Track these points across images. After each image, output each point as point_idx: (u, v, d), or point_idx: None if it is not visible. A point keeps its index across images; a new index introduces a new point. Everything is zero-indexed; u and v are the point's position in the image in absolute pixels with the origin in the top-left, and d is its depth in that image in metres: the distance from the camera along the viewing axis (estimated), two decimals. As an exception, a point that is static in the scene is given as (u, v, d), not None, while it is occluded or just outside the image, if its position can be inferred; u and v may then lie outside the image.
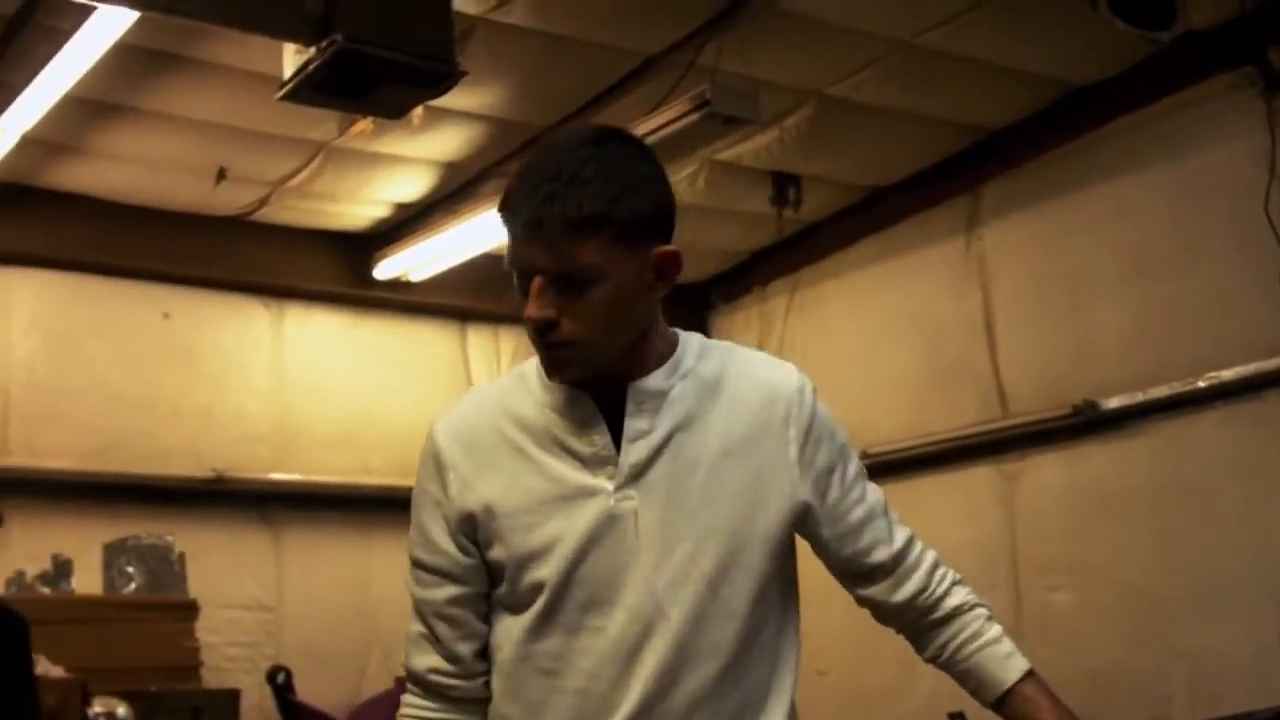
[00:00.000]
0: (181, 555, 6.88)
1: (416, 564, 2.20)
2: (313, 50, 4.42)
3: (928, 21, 5.90)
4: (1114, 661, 6.41)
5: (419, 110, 5.63)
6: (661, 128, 5.72)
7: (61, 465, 7.06)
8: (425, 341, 8.42)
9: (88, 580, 6.95)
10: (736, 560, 2.12)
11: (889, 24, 5.95)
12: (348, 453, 7.97)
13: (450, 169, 7.18)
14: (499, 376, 8.10)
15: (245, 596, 7.52)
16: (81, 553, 6.94)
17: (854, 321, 8.09)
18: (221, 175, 7.07)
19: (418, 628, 2.22)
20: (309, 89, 4.52)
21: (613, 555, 2.09)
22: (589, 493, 2.10)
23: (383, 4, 4.42)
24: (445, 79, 4.55)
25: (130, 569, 6.90)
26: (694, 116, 5.61)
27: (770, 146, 6.97)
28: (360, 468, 7.96)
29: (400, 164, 7.11)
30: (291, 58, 4.56)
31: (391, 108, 4.91)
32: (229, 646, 7.37)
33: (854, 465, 2.28)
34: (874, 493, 2.30)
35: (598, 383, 2.11)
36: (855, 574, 2.29)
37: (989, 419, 7.16)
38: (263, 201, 7.45)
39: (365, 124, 6.27)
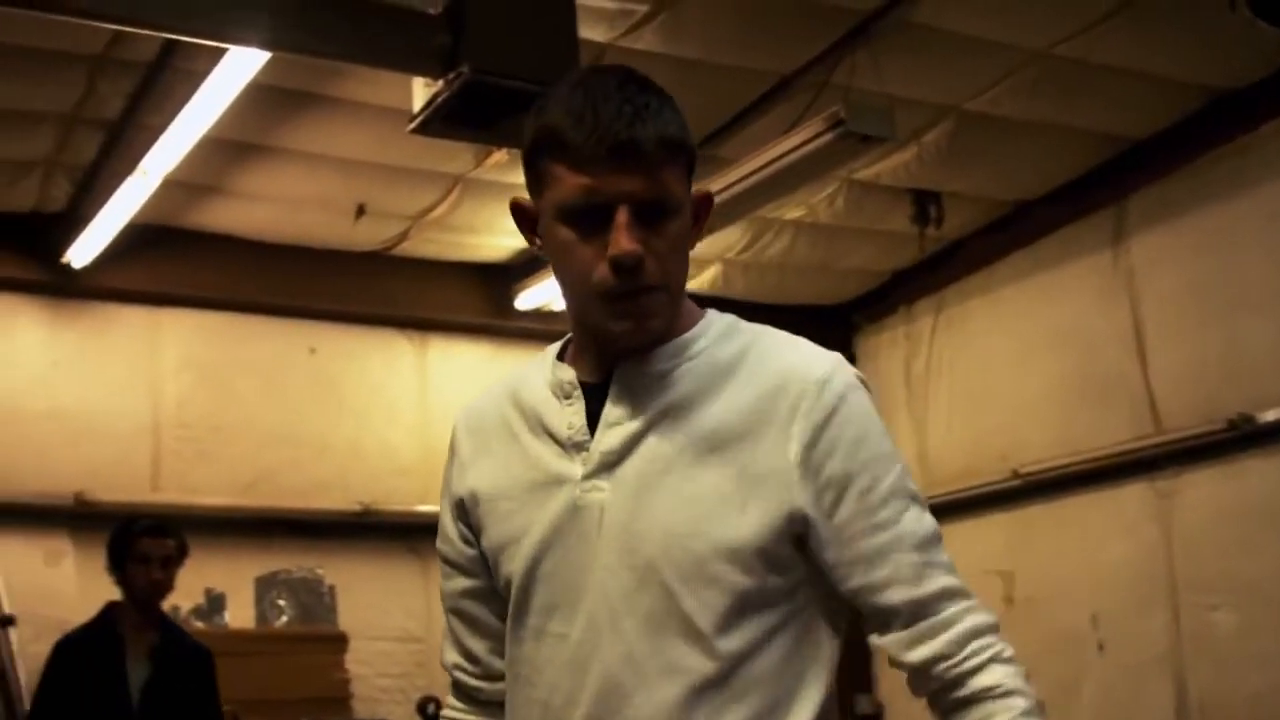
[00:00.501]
0: (331, 588, 6.95)
1: (439, 554, 2.08)
2: (441, 83, 4.44)
3: (1065, 31, 5.79)
4: (1277, 684, 6.21)
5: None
6: (796, 149, 5.66)
7: (213, 501, 7.16)
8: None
9: (240, 614, 7.05)
10: (703, 571, 1.80)
11: (1025, 35, 5.86)
12: (494, 483, 7.97)
13: (589, 197, 7.16)
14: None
15: (395, 628, 7.56)
16: (234, 587, 7.04)
17: (1001, 339, 7.96)
18: (361, 211, 7.14)
19: (446, 622, 2.11)
20: (439, 121, 4.53)
21: (574, 553, 1.86)
22: (560, 481, 1.88)
23: (509, 34, 4.43)
24: (574, 107, 4.53)
25: (282, 602, 6.98)
26: (829, 136, 5.54)
27: (909, 164, 6.89)
28: (505, 498, 7.95)
29: (538, 194, 7.11)
30: (421, 91, 4.59)
31: (521, 137, 4.89)
32: (379, 677, 7.42)
33: (888, 481, 1.86)
34: (913, 521, 1.86)
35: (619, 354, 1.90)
36: (868, 616, 1.89)
37: (1141, 435, 6.99)
38: (403, 235, 7.51)
39: (500, 155, 6.30)
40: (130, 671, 5.18)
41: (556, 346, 1.99)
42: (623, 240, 1.78)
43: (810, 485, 1.82)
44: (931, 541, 1.87)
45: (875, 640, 1.88)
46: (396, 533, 7.68)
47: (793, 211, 7.32)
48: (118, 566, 5.28)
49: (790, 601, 1.86)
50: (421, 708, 7.05)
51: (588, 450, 1.87)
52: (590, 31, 5.34)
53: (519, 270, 7.93)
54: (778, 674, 1.83)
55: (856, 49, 5.78)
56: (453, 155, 6.51)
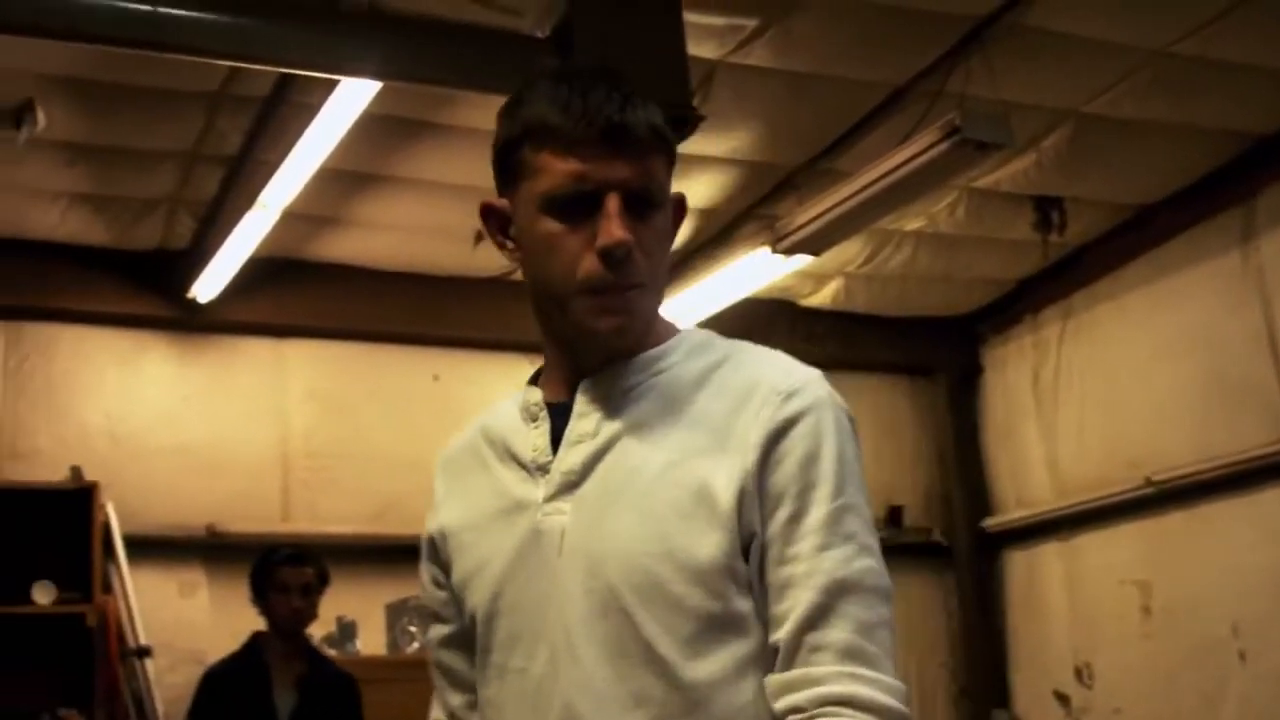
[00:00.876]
0: (458, 613, 6.95)
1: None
2: (550, 106, 4.45)
3: (1181, 30, 5.67)
4: None
5: (666, 160, 5.62)
6: (913, 159, 5.59)
7: (342, 529, 7.22)
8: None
9: (372, 640, 7.09)
10: (664, 594, 1.65)
11: (1142, 35, 5.74)
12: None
13: (705, 216, 7.15)
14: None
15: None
16: (365, 614, 7.08)
17: (1130, 345, 7.80)
18: (479, 237, 7.15)
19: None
20: (550, 144, 4.54)
21: (535, 581, 1.74)
22: (522, 506, 1.78)
23: (617, 55, 4.42)
24: (684, 125, 4.53)
25: (413, 628, 7.00)
26: (945, 145, 5.47)
27: (1029, 170, 6.78)
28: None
29: (655, 213, 7.10)
30: (530, 114, 4.59)
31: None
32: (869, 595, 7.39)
33: (825, 511, 1.66)
34: (836, 563, 1.65)
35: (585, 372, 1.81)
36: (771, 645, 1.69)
37: (1278, 438, 6.82)
38: (523, 260, 7.52)
39: (613, 176, 6.28)
40: (278, 700, 5.26)
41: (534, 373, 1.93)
42: (614, 228, 1.69)
43: (761, 500, 1.67)
44: (852, 591, 1.64)
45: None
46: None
47: (913, 222, 7.25)
48: (260, 596, 5.35)
49: (765, 630, 1.67)
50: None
51: (549, 471, 1.77)
52: (699, 49, 5.33)
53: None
54: (754, 713, 1.66)
55: (970, 56, 5.71)
56: (568, 178, 6.51)
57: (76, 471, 6.55)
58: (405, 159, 6.31)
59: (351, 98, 4.97)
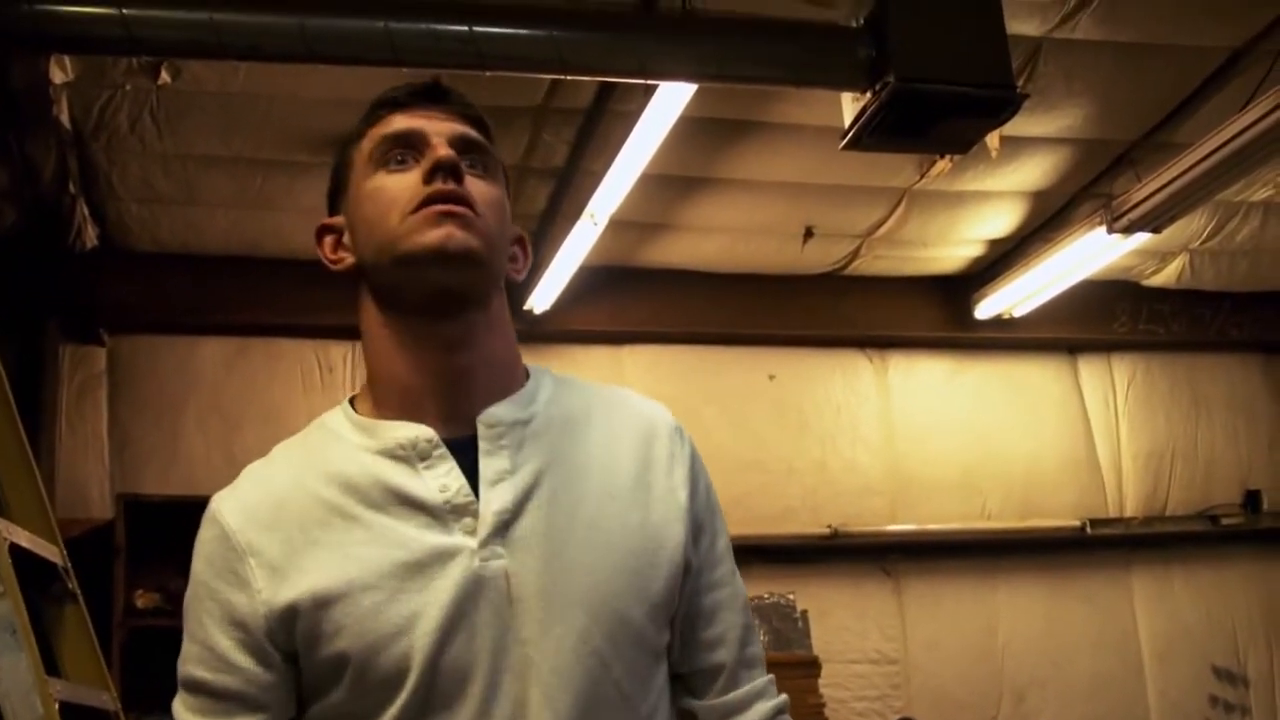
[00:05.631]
0: (804, 612, 6.92)
1: (194, 686, 1.68)
2: (868, 95, 4.40)
3: None
4: None
5: (996, 142, 5.51)
6: (1254, 124, 5.33)
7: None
8: (1034, 377, 8.20)
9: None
10: (630, 633, 1.67)
11: None
12: (964, 498, 7.85)
13: (1039, 198, 6.97)
14: (1113, 408, 7.73)
15: (869, 650, 7.51)
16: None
17: None
18: (809, 233, 7.14)
19: None
20: (869, 135, 4.49)
21: (485, 631, 1.61)
22: (447, 555, 1.63)
23: (934, 38, 4.36)
24: (1007, 105, 4.42)
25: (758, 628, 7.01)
26: (1287, 109, 5.22)
27: (1387, 130, 6.40)
28: (978, 512, 7.83)
29: (986, 199, 6.97)
30: (849, 106, 4.55)
31: (956, 142, 4.81)
32: (856, 701, 7.38)
33: (725, 535, 1.83)
34: (740, 582, 1.84)
35: (437, 413, 1.70)
36: (688, 674, 1.78)
37: None
38: (854, 254, 7.47)
39: (944, 164, 6.17)
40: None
41: (339, 412, 1.77)
42: (440, 148, 1.70)
43: (691, 530, 1.76)
44: (748, 606, 1.84)
45: (690, 703, 1.79)
46: (867, 553, 7.64)
47: (1260, 191, 6.91)
48: None
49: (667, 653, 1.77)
50: (900, 729, 7.01)
51: (473, 514, 1.65)
52: (1022, 26, 5.19)
53: (976, 279, 7.77)
54: None
55: (1314, 9, 5.42)
56: (896, 169, 6.44)
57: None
58: (729, 160, 6.31)
59: (670, 102, 4.98)
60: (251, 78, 5.36)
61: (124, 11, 3.92)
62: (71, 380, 6.85)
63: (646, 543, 1.71)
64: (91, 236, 6.45)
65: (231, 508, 1.69)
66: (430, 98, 1.77)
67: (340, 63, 4.34)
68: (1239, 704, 7.85)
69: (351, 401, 1.78)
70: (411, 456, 1.67)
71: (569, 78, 4.89)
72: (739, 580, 1.83)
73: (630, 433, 1.79)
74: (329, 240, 1.80)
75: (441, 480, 1.66)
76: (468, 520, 1.65)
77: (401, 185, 1.69)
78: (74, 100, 5.44)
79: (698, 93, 4.95)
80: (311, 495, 1.67)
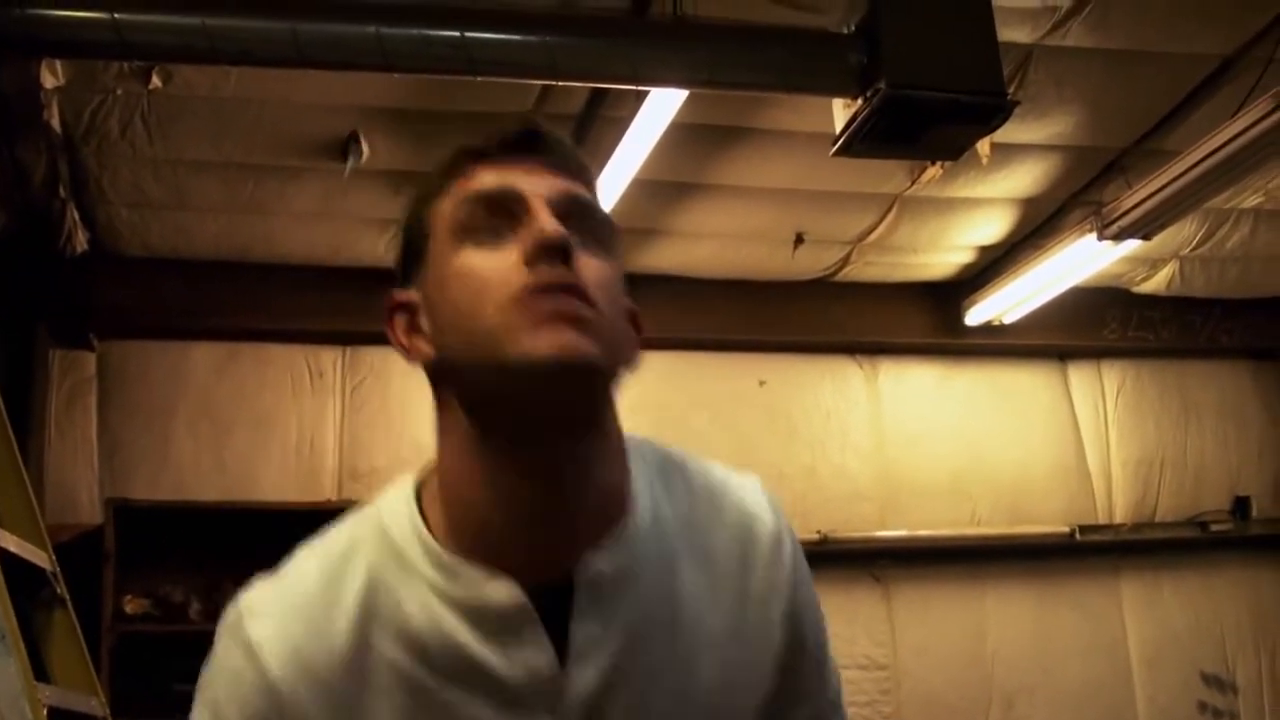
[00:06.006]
0: (796, 618, 6.92)
1: None
2: (859, 102, 4.40)
3: None
4: None
5: (987, 149, 5.53)
6: (1245, 131, 5.35)
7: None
8: (1024, 384, 8.20)
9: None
10: None
11: None
12: (954, 504, 7.85)
13: (1030, 204, 6.98)
14: (1103, 414, 7.73)
15: (859, 655, 7.49)
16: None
17: None
18: (799, 240, 7.14)
19: None
20: (860, 141, 4.49)
21: None
22: None
23: (926, 45, 4.36)
24: (998, 112, 4.43)
25: None
26: (1277, 116, 5.23)
27: (1378, 137, 6.41)
28: (967, 518, 7.83)
29: (977, 206, 6.98)
30: (840, 112, 4.55)
31: (947, 149, 4.82)
32: (845, 706, 7.36)
33: (824, 651, 1.59)
34: (837, 676, 1.63)
35: (527, 558, 1.36)
36: None
37: None
38: (844, 260, 7.47)
39: (934, 170, 6.19)
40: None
41: (403, 523, 1.41)
42: (544, 219, 1.34)
43: (779, 671, 1.51)
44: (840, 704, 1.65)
45: None
46: (856, 559, 7.63)
47: (1250, 199, 6.92)
48: None
49: None
50: (892, 736, 6.99)
51: (558, 694, 1.36)
52: (1013, 33, 5.20)
53: (966, 286, 7.77)
54: None
55: (1303, 17, 5.43)
56: (886, 175, 6.44)
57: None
58: (720, 166, 6.31)
59: (661, 108, 4.99)
60: (243, 83, 5.35)
61: (115, 16, 3.92)
62: (61, 385, 6.83)
63: (731, 699, 1.46)
64: (82, 241, 6.43)
65: (277, 650, 1.36)
66: (527, 146, 1.41)
67: (332, 68, 4.35)
68: (1228, 710, 7.85)
69: (418, 496, 1.46)
70: (493, 626, 1.35)
71: (560, 83, 4.90)
72: (831, 688, 1.63)
73: (726, 557, 1.49)
74: (401, 321, 1.44)
75: (529, 660, 1.35)
76: (550, 699, 1.36)
77: (496, 266, 1.33)
78: (65, 105, 5.43)
79: (689, 98, 4.95)
80: (378, 656, 1.36)
